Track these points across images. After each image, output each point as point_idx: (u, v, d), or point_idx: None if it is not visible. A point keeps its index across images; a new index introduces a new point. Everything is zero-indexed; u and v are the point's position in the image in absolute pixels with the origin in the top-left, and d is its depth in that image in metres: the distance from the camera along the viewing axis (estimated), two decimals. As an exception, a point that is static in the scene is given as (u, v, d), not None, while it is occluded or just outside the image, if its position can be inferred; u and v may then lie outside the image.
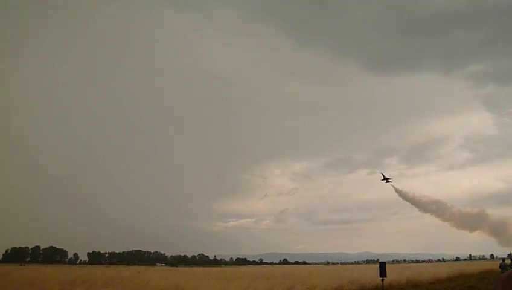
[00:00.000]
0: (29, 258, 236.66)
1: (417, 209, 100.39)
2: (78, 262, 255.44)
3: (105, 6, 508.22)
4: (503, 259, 57.71)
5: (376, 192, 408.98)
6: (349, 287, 44.85)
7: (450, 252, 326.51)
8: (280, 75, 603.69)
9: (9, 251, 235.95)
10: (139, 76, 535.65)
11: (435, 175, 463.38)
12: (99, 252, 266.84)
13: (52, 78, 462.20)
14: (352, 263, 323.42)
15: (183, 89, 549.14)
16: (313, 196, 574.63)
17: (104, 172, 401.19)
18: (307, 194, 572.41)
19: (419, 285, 51.49)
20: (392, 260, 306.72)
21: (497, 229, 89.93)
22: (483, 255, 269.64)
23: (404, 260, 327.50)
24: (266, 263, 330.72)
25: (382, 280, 38.07)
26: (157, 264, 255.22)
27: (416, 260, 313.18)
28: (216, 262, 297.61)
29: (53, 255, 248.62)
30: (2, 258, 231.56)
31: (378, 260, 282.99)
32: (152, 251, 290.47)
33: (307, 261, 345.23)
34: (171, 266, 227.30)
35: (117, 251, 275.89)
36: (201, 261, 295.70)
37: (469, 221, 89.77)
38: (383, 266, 38.71)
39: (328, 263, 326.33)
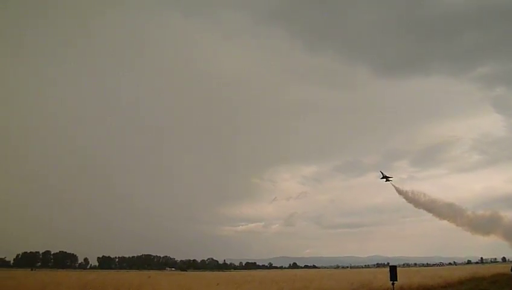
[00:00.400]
0: (39, 263, 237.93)
1: (426, 212, 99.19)
2: (88, 267, 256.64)
3: (116, 13, 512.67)
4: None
5: (386, 195, 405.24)
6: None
7: (461, 255, 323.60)
8: (289, 78, 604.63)
9: (20, 256, 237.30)
10: (148, 80, 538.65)
11: (446, 178, 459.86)
12: (109, 256, 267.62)
13: (60, 82, 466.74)
14: (363, 267, 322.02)
15: (193, 93, 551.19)
16: (323, 199, 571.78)
17: (112, 177, 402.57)
18: (316, 197, 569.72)
19: (431, 289, 51.17)
20: (402, 263, 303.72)
21: (511, 232, 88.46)
22: (495, 258, 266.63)
23: (415, 264, 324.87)
24: (275, 267, 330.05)
25: (392, 284, 37.91)
26: (166, 268, 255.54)
27: (427, 264, 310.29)
28: (225, 266, 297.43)
29: (63, 260, 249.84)
30: (13, 263, 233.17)
31: (388, 263, 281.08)
32: (162, 256, 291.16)
33: (316, 265, 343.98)
34: (181, 271, 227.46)
35: (127, 256, 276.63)
36: (211, 265, 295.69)
37: (483, 224, 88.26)
38: (393, 269, 38.56)
39: (338, 267, 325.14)
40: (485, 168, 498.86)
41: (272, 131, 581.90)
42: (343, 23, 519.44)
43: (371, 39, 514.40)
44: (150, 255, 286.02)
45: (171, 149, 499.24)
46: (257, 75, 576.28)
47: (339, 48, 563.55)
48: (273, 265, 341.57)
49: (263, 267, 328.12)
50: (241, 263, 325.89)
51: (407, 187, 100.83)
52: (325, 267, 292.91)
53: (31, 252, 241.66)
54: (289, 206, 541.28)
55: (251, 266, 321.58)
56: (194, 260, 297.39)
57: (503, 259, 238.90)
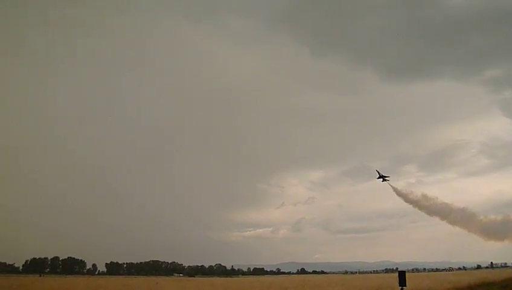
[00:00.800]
0: (48, 269, 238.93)
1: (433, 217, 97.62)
2: (96, 273, 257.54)
3: (126, 19, 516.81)
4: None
5: (394, 200, 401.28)
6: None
7: (470, 260, 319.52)
8: (296, 84, 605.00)
9: (28, 262, 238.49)
10: (156, 87, 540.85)
11: (454, 182, 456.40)
12: (117, 262, 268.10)
13: (73, 91, 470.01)
14: (371, 272, 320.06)
15: (200, 99, 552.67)
16: (330, 204, 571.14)
17: (121, 184, 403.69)
18: (324, 203, 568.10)
19: (440, 294, 50.75)
20: (411, 268, 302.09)
21: None
22: (505, 263, 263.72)
23: (424, 269, 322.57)
24: (284, 273, 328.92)
25: (401, 289, 37.64)
26: (174, 274, 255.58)
27: (436, 269, 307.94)
28: (233, 272, 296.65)
29: (72, 266, 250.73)
30: (21, 269, 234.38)
31: (397, 268, 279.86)
32: (169, 261, 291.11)
33: (324, 270, 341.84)
34: (189, 277, 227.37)
35: (135, 262, 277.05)
36: (219, 271, 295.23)
37: (496, 229, 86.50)
38: (402, 275, 38.31)
39: (346, 272, 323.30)
40: (494, 172, 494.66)
41: (279, 136, 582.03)
42: (351, 29, 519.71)
43: (379, 44, 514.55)
44: (157, 261, 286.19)
45: (178, 155, 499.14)
46: (265, 80, 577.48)
47: (346, 53, 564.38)
48: (281, 271, 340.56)
49: (271, 272, 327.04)
50: (249, 268, 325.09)
51: (417, 192, 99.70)
52: (333, 273, 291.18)
53: (39, 258, 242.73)
54: (297, 211, 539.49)
55: (259, 271, 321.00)
56: (202, 266, 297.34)
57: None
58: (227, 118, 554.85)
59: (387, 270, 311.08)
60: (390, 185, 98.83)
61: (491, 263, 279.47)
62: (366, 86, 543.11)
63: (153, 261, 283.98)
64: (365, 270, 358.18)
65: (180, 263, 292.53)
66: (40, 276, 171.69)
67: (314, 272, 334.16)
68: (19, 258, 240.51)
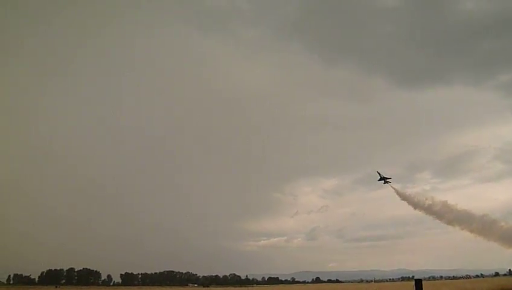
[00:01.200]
0: (64, 280, 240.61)
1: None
2: (111, 283, 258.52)
3: (137, 31, 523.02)
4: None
5: (409, 207, 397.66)
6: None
7: (488, 267, 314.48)
8: (308, 92, 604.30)
9: (44, 273, 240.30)
10: (167, 97, 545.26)
11: (470, 188, 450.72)
12: (131, 273, 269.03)
13: (87, 102, 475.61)
14: (387, 281, 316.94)
15: (213, 109, 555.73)
16: (344, 212, 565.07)
17: (134, 195, 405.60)
18: (337, 211, 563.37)
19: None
20: (428, 276, 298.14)
21: None
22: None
23: (441, 277, 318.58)
24: (298, 282, 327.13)
25: (419, 298, 37.08)
26: (189, 284, 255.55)
27: (453, 277, 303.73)
28: (248, 282, 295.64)
29: (87, 277, 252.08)
30: (38, 281, 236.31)
31: (413, 277, 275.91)
32: (184, 272, 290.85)
33: (340, 279, 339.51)
34: (203, 287, 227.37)
35: (149, 272, 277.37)
36: (233, 281, 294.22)
37: None
38: (419, 283, 37.88)
39: (362, 281, 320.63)
40: (509, 177, 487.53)
41: (292, 145, 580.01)
42: (361, 36, 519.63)
43: (389, 51, 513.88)
44: (172, 271, 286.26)
45: (191, 165, 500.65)
46: (276, 89, 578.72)
47: (357, 61, 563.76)
48: (296, 280, 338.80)
49: (286, 282, 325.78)
50: (263, 278, 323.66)
51: (436, 199, 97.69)
52: (348, 282, 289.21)
53: (55, 269, 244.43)
54: (311, 220, 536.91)
55: (274, 281, 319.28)
56: (216, 276, 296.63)
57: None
58: (239, 128, 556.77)
59: (403, 279, 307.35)
60: (392, 187, 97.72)
61: (510, 270, 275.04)
62: (378, 93, 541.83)
63: (167, 271, 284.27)
64: (381, 278, 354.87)
65: (194, 273, 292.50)
66: (56, 287, 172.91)
67: (329, 281, 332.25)
68: (35, 270, 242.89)
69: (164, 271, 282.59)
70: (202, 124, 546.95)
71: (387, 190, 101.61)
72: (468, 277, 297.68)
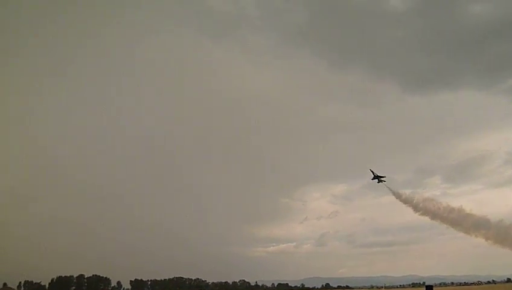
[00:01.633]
0: (74, 287, 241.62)
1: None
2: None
3: (147, 37, 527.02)
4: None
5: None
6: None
7: (500, 273, 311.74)
8: (316, 97, 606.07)
9: (55, 280, 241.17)
10: (176, 101, 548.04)
11: (481, 193, 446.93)
12: (141, 279, 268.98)
13: (99, 107, 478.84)
14: (397, 287, 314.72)
15: (221, 114, 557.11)
16: (354, 218, 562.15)
17: (142, 201, 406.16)
18: (347, 216, 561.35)
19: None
20: (439, 282, 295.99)
21: None
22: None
23: (452, 283, 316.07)
24: (308, 288, 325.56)
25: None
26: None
27: (465, 283, 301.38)
28: (257, 288, 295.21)
29: (97, 284, 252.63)
30: (48, 287, 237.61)
31: (424, 283, 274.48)
32: (193, 278, 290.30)
33: (350, 285, 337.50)
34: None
35: (159, 279, 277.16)
36: (243, 287, 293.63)
37: None
38: (429, 289, 37.39)
39: (372, 287, 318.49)
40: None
41: (301, 150, 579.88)
42: (369, 41, 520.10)
43: (399, 55, 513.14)
44: (181, 277, 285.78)
45: (199, 171, 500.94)
46: (285, 94, 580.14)
47: (366, 65, 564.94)
48: (305, 286, 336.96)
49: (296, 288, 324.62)
50: (273, 284, 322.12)
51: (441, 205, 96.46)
52: (359, 288, 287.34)
53: (65, 276, 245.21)
54: (320, 225, 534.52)
55: (283, 287, 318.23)
56: (225, 282, 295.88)
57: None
58: (247, 133, 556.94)
59: (414, 285, 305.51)
60: (388, 187, 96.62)
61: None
62: (387, 97, 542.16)
63: (176, 277, 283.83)
64: (391, 284, 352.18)
65: (204, 280, 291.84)
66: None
67: (339, 287, 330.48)
68: (45, 277, 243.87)
69: (173, 277, 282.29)
70: (211, 130, 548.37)
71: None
72: (479, 283, 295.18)
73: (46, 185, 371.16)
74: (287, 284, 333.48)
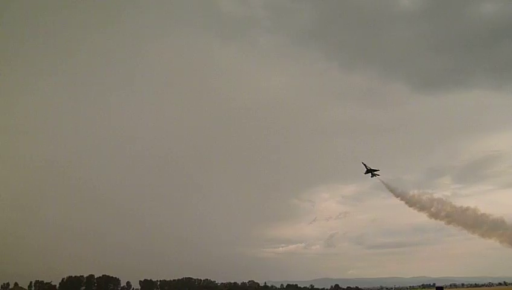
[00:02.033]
0: (84, 287, 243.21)
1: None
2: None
3: (158, 39, 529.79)
4: None
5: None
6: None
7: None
8: (326, 98, 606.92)
9: (65, 280, 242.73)
10: (187, 104, 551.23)
11: (492, 194, 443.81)
12: (150, 280, 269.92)
13: (109, 111, 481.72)
14: (407, 288, 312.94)
15: (229, 116, 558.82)
16: (364, 219, 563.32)
17: (153, 203, 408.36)
18: (357, 217, 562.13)
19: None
20: (449, 284, 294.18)
21: None
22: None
23: (462, 284, 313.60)
24: (317, 289, 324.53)
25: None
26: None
27: (476, 284, 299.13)
28: (266, 289, 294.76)
29: (106, 284, 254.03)
30: (58, 287, 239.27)
31: (434, 284, 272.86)
32: (202, 279, 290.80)
33: (359, 286, 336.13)
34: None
35: (168, 279, 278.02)
36: (252, 288, 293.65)
37: None
38: None
39: (381, 288, 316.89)
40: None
41: (310, 151, 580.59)
42: (380, 41, 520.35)
43: (409, 55, 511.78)
44: (190, 278, 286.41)
45: (209, 173, 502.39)
46: (295, 95, 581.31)
47: (376, 66, 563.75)
48: (314, 287, 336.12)
49: (305, 289, 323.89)
50: (282, 285, 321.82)
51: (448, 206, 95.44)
52: (368, 289, 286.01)
53: (75, 276, 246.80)
54: (329, 226, 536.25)
55: (292, 288, 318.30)
56: (234, 283, 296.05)
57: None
58: (257, 134, 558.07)
59: (424, 286, 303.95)
60: (381, 181, 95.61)
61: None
62: (397, 98, 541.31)
63: (186, 278, 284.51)
64: (401, 286, 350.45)
65: (213, 280, 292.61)
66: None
67: (349, 288, 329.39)
68: (56, 276, 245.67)
69: (183, 278, 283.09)
70: (219, 131, 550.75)
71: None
72: (490, 284, 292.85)
73: (56, 187, 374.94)
74: (296, 285, 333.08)
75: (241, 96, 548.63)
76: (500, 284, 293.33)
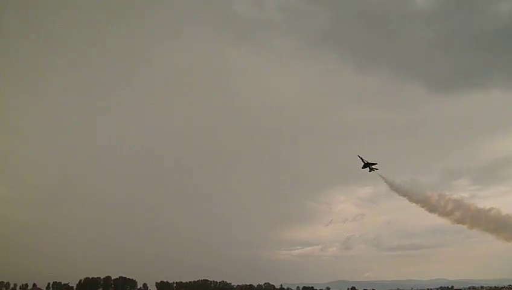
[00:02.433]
0: (101, 288, 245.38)
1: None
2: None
3: (172, 40, 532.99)
4: None
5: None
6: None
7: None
8: (341, 100, 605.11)
9: (82, 281, 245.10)
10: (202, 106, 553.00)
11: (511, 195, 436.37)
12: (167, 282, 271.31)
13: (119, 114, 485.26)
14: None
15: (244, 118, 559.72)
16: (380, 221, 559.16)
17: (169, 204, 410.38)
18: (373, 219, 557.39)
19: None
20: (467, 286, 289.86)
21: None
22: None
23: (482, 287, 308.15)
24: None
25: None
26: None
27: (495, 287, 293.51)
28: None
29: (123, 285, 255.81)
30: (76, 288, 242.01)
31: (453, 287, 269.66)
32: (218, 281, 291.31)
33: (376, 289, 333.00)
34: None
35: (184, 281, 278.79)
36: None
37: None
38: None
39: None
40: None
41: (325, 153, 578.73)
42: (394, 42, 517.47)
43: (425, 56, 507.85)
44: (206, 280, 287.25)
45: (226, 174, 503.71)
46: (309, 97, 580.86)
47: (391, 67, 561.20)
48: (331, 289, 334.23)
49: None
50: (298, 287, 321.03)
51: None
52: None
53: (92, 277, 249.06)
54: (345, 228, 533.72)
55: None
56: (250, 285, 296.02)
57: None
58: (273, 137, 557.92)
59: (442, 289, 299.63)
60: (380, 175, 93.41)
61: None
62: (413, 99, 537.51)
63: (202, 280, 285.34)
64: (419, 289, 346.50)
65: (228, 282, 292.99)
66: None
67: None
68: (73, 278, 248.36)
69: (199, 280, 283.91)
70: (234, 133, 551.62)
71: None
72: (510, 287, 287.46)
73: (76, 189, 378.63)
74: (312, 287, 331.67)
75: (254, 97, 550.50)
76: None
